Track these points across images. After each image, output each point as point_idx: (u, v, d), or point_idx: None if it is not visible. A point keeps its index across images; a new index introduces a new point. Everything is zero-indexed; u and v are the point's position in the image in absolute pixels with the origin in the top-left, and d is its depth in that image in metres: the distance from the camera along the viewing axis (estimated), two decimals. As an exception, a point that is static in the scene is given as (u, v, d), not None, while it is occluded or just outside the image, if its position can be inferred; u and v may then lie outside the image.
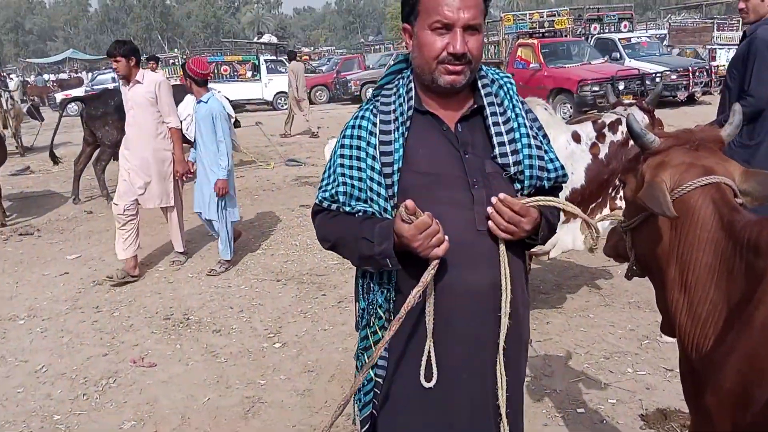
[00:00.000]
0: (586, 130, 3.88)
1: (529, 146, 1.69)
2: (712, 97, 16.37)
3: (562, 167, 1.79)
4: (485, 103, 1.69)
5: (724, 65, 17.50)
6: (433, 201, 1.58)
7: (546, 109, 3.95)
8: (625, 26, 20.39)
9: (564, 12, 19.02)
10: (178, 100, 6.80)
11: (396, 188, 1.61)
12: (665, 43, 20.48)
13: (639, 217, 1.78)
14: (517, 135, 1.68)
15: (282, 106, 21.72)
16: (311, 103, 23.25)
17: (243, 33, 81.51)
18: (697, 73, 15.69)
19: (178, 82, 19.35)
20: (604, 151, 3.78)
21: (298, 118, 15.23)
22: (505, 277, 1.62)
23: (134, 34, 78.27)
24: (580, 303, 4.70)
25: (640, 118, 3.60)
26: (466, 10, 1.55)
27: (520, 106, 1.74)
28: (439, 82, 1.60)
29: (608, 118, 3.84)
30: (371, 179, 1.62)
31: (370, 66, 26.31)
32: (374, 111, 1.68)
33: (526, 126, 1.71)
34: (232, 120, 9.95)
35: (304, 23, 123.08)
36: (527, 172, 1.68)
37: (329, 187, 1.71)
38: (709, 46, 19.43)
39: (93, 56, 49.84)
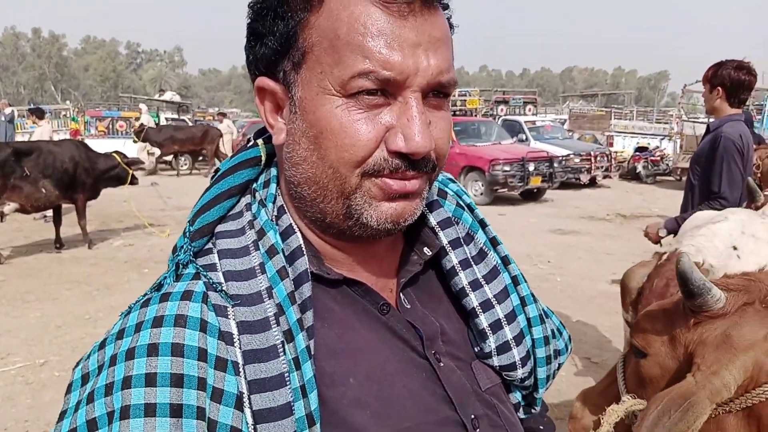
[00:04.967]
0: None
1: (541, 318, 0.94)
2: (611, 181, 17.01)
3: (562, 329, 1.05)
4: (446, 242, 0.88)
5: (621, 151, 18.43)
6: None
7: None
8: (529, 110, 21.18)
9: (474, 92, 19.50)
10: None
11: None
12: (566, 127, 21.32)
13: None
14: (514, 299, 0.90)
15: (182, 165, 20.61)
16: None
17: (144, 89, 79.36)
18: (598, 158, 16.21)
19: (67, 135, 18.18)
20: None
21: None
22: None
23: (25, 83, 74.33)
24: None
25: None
26: (432, 50, 0.71)
27: (495, 234, 0.95)
28: (366, 219, 0.74)
29: None
30: None
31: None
32: (217, 302, 0.70)
33: (520, 275, 0.94)
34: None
35: (208, 84, 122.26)
36: (542, 372, 0.93)
37: None
38: (607, 133, 20.45)
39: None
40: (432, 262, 0.89)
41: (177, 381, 0.64)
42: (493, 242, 0.94)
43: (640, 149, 18.42)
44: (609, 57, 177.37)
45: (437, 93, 0.74)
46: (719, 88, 3.54)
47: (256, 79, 0.78)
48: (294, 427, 0.67)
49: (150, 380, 0.64)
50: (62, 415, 0.69)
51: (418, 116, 0.71)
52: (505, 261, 0.93)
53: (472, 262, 0.89)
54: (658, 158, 17.45)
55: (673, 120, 20.39)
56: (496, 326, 0.87)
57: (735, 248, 1.93)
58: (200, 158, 19.53)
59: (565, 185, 15.40)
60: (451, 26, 0.77)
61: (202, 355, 0.66)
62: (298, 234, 0.77)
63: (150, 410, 0.63)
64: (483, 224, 0.94)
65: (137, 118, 20.10)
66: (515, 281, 0.93)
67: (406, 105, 0.71)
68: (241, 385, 0.67)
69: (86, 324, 5.80)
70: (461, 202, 0.94)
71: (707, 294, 1.13)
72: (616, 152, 17.90)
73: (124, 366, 0.66)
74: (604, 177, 16.63)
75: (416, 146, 0.70)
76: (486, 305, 0.87)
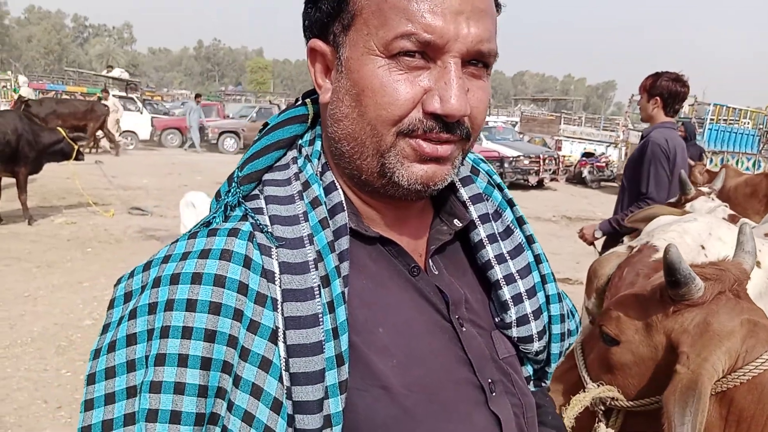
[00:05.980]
0: None
1: (559, 297, 0.98)
2: (558, 184, 17.44)
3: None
4: (476, 217, 0.92)
5: (569, 155, 18.88)
6: None
7: None
8: (483, 109, 21.43)
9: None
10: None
11: None
12: (517, 129, 21.73)
13: (653, 400, 1.22)
14: (536, 276, 0.95)
15: (129, 146, 20.03)
16: (160, 145, 21.78)
17: (90, 65, 76.78)
18: (547, 161, 16.59)
19: (7, 107, 17.41)
20: None
21: None
22: None
23: (-39, 50, 70.90)
24: None
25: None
26: (474, 19, 0.74)
27: (522, 214, 0.99)
28: (398, 178, 0.78)
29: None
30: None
31: (230, 116, 25.40)
32: (262, 242, 0.74)
33: (543, 255, 0.98)
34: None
35: (158, 63, 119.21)
36: (556, 348, 0.98)
37: None
38: (556, 137, 20.94)
39: None
40: (459, 234, 0.93)
41: (215, 309, 0.69)
42: (520, 221, 0.98)
43: (587, 155, 18.94)
44: (559, 64, 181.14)
45: (477, 62, 0.77)
46: (657, 98, 3.73)
47: (311, 38, 0.83)
48: (323, 364, 0.71)
49: (190, 305, 0.69)
50: (105, 328, 0.75)
51: (455, 80, 0.74)
52: (530, 240, 0.97)
53: (499, 238, 0.94)
54: (603, 164, 17.97)
55: (619, 128, 21.04)
56: (517, 299, 0.91)
57: (703, 248, 2.04)
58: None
59: (513, 186, 15.68)
60: (498, 5, 0.81)
61: (242, 288, 0.71)
62: (340, 191, 0.81)
63: (187, 333, 0.69)
64: (511, 204, 0.98)
65: (15, 90, 18.58)
66: (538, 260, 0.97)
67: (445, 69, 0.74)
68: (277, 320, 0.71)
69: (26, 301, 5.61)
70: (492, 181, 0.98)
71: (692, 283, 1.17)
72: (563, 156, 18.36)
73: (168, 289, 0.71)
74: (552, 180, 17.02)
75: (451, 108, 0.74)
76: (509, 278, 0.92)
